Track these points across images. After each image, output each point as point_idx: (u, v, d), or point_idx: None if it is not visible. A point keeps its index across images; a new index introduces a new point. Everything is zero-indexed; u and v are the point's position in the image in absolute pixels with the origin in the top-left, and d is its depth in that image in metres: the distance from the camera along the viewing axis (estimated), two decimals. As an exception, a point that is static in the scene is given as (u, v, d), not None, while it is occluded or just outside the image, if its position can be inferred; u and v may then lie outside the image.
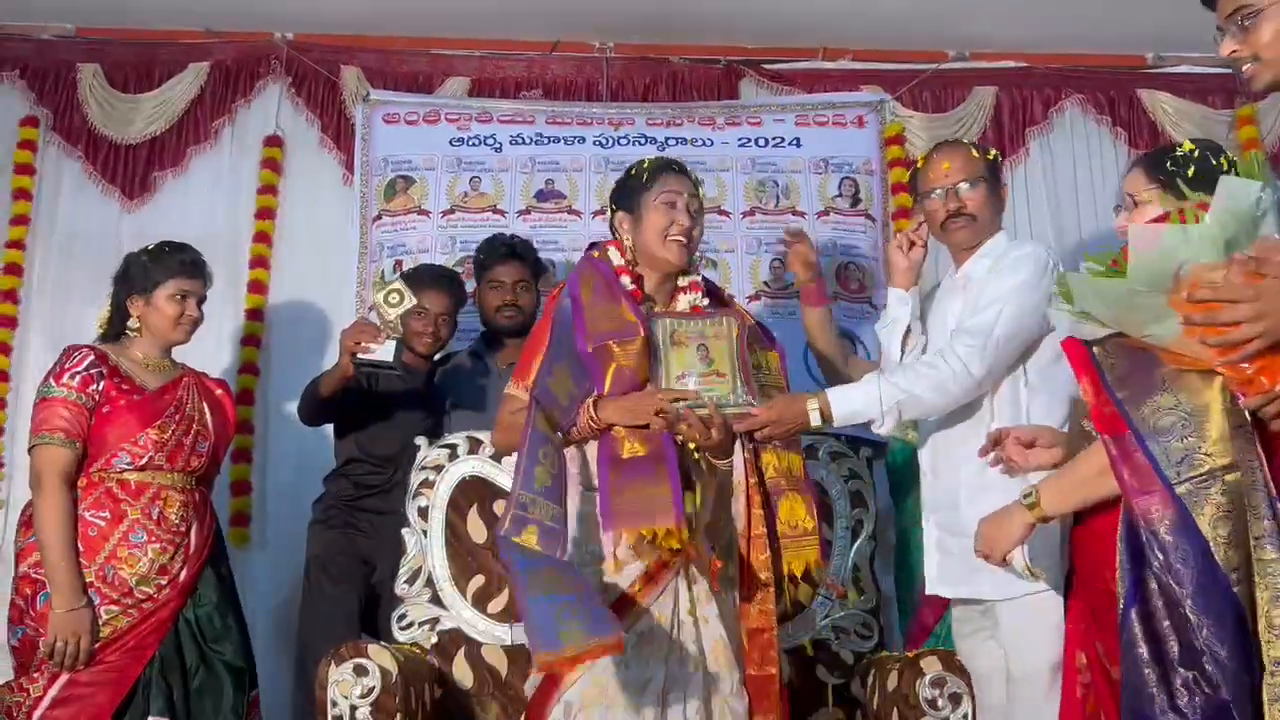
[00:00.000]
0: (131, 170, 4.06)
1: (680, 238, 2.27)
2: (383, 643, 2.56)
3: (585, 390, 2.20)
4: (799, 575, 2.25)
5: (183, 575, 2.59)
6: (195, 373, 2.83)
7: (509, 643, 2.70)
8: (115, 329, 2.72)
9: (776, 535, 2.23)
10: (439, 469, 2.86)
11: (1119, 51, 4.32)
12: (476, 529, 2.82)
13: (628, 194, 2.35)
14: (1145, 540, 1.65)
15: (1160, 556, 1.63)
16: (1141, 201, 1.97)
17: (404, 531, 2.82)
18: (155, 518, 2.58)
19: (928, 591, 2.40)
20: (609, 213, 2.44)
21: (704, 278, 2.43)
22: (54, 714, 2.44)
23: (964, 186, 2.39)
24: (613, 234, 2.41)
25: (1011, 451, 2.10)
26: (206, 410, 2.72)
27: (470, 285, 3.52)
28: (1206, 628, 1.58)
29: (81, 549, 2.50)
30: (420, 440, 2.91)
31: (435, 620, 2.75)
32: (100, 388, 2.58)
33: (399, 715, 2.38)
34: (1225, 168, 1.92)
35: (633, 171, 2.37)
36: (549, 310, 2.37)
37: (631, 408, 2.16)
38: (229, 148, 4.11)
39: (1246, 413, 1.64)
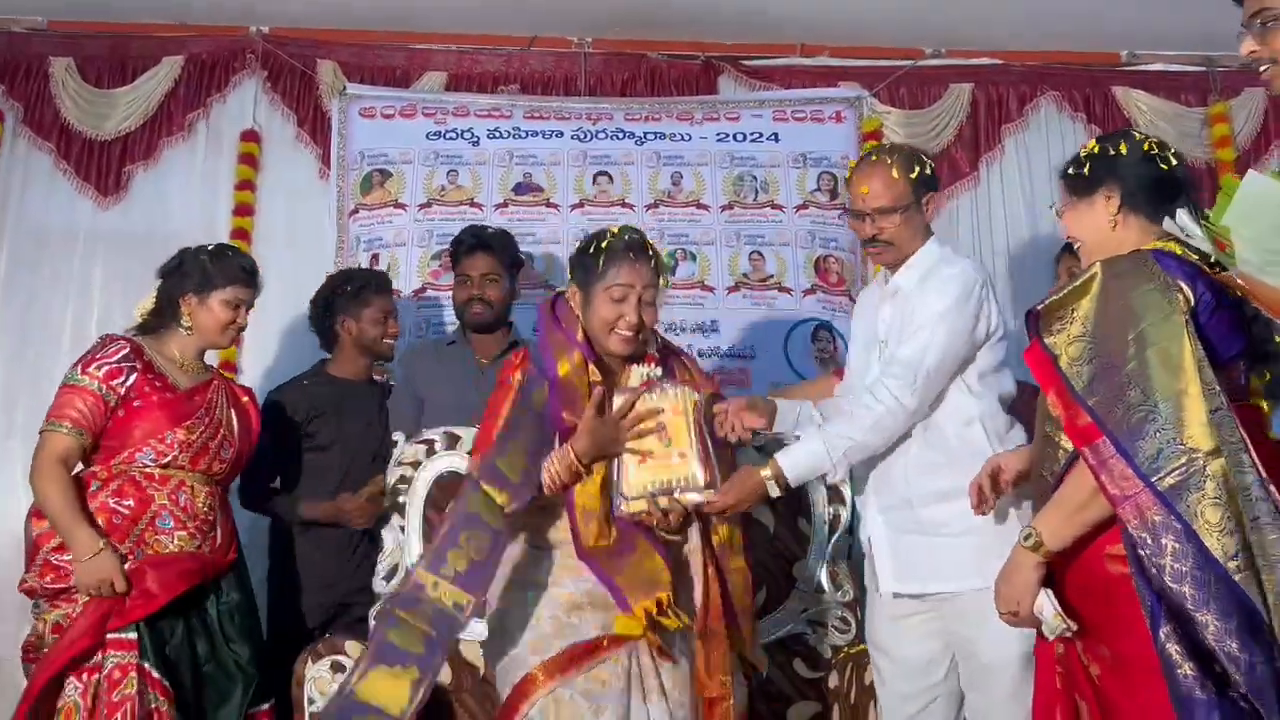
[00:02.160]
0: (105, 166, 4.03)
1: (626, 333, 2.19)
2: (360, 640, 2.55)
3: (539, 466, 2.15)
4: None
5: (210, 557, 2.54)
6: (224, 377, 2.78)
7: (487, 639, 2.69)
8: (158, 322, 2.65)
9: (733, 606, 2.23)
10: (416, 465, 2.85)
11: (1094, 49, 4.36)
12: (454, 525, 2.81)
13: (582, 270, 2.25)
14: (1140, 546, 1.61)
15: (1156, 559, 1.60)
16: (1063, 210, 1.98)
17: (382, 528, 2.81)
18: (182, 505, 2.52)
19: (882, 590, 2.33)
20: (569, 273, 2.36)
21: (661, 342, 2.37)
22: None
23: (880, 214, 2.33)
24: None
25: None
26: (234, 416, 2.67)
27: (450, 279, 3.51)
28: (1213, 625, 1.55)
29: (108, 535, 2.44)
30: (398, 436, 2.89)
31: (413, 616, 2.73)
32: (130, 381, 2.51)
33: (376, 712, 2.37)
34: (1123, 151, 1.91)
35: (590, 249, 2.25)
36: (508, 380, 2.28)
37: (598, 438, 2.13)
38: (204, 142, 4.09)
39: (1224, 396, 1.63)
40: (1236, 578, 1.56)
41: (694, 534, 2.22)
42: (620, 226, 2.31)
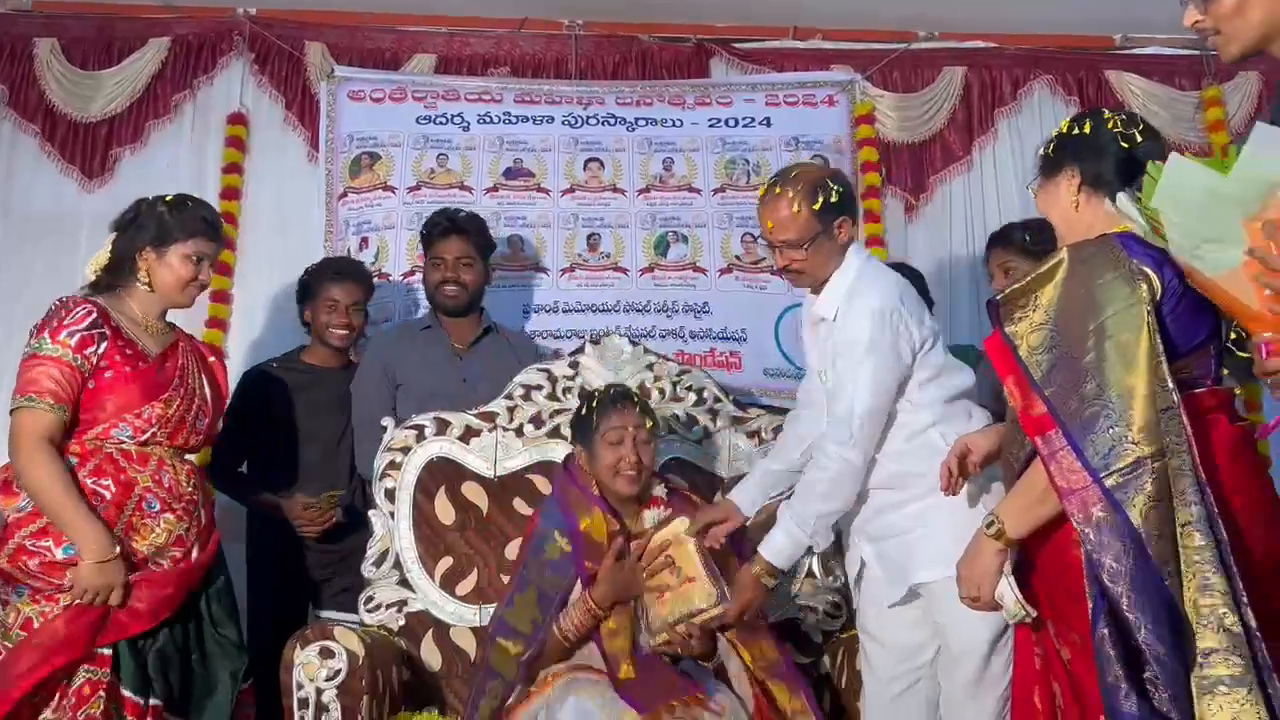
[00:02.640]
0: (91, 148, 3.98)
1: (629, 471, 2.47)
2: (349, 624, 2.54)
3: (551, 615, 2.41)
4: None
5: (195, 552, 2.38)
6: (187, 335, 2.58)
7: (477, 624, 2.69)
8: (113, 279, 2.44)
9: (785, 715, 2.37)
10: (406, 450, 2.84)
11: (1087, 32, 4.34)
12: (445, 511, 2.80)
13: (581, 430, 2.56)
14: (1084, 542, 1.61)
15: (1097, 556, 1.59)
16: (1035, 190, 1.95)
17: (371, 514, 2.80)
18: (167, 485, 2.35)
19: (888, 606, 2.33)
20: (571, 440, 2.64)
21: (666, 482, 2.61)
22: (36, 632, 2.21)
23: (787, 247, 2.31)
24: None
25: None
26: (205, 383, 2.49)
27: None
28: (1145, 628, 1.55)
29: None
30: (387, 421, 2.88)
31: (403, 602, 2.73)
32: (101, 350, 2.31)
33: (365, 698, 2.36)
34: (1086, 131, 1.87)
35: (583, 410, 2.57)
36: (527, 534, 2.56)
37: (618, 584, 2.40)
38: (191, 126, 4.05)
39: (1176, 395, 1.60)
40: (1168, 583, 1.55)
41: (733, 658, 2.42)
42: (607, 385, 2.69)
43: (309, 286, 3.24)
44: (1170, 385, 1.61)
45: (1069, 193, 1.86)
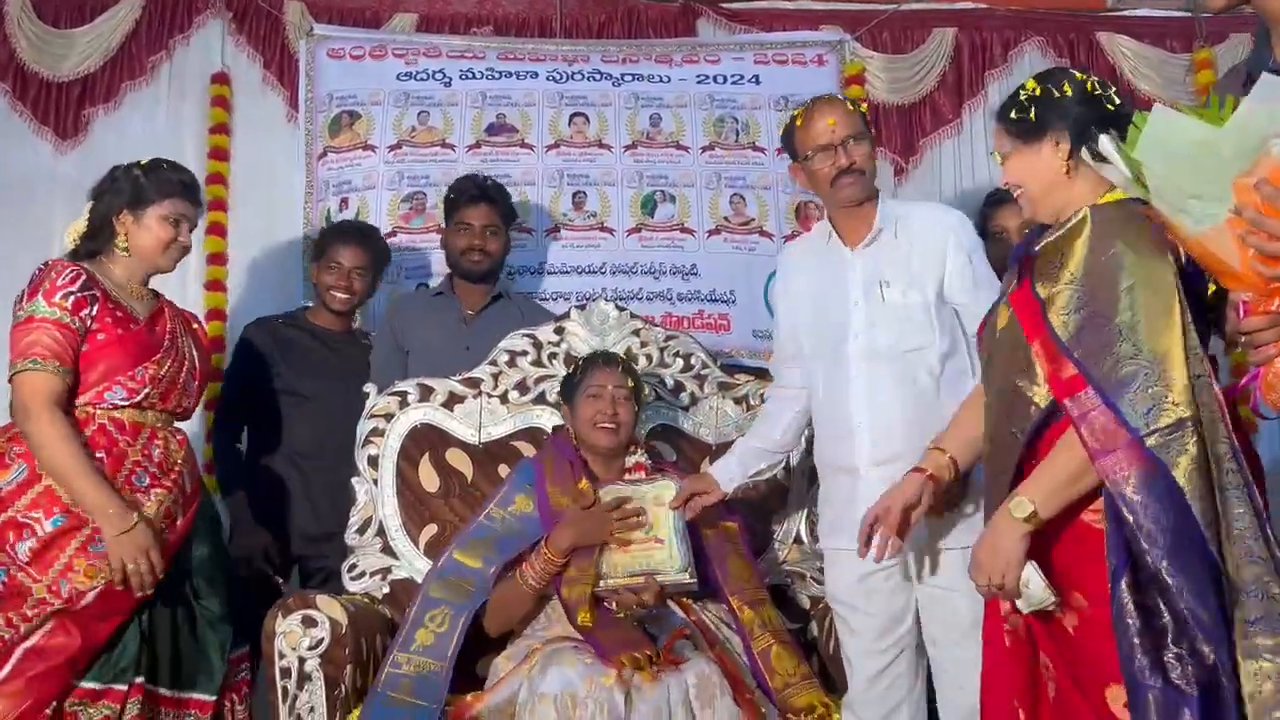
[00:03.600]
0: (63, 108, 3.89)
1: (606, 424, 2.54)
2: (332, 593, 2.51)
3: (512, 556, 2.45)
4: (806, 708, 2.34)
5: (179, 521, 2.36)
6: (170, 303, 2.56)
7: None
8: (93, 246, 2.42)
9: (773, 681, 2.35)
10: (389, 417, 2.80)
11: (1079, -7, 4.29)
12: (428, 478, 2.77)
13: (568, 389, 2.65)
14: (1118, 503, 1.58)
15: (1130, 518, 1.55)
16: (1005, 154, 1.87)
17: (354, 481, 2.76)
18: (156, 460, 2.34)
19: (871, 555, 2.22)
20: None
21: (649, 458, 2.63)
22: (33, 660, 2.15)
23: (853, 142, 2.32)
24: None
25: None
26: (192, 346, 2.49)
27: (421, 222, 3.49)
28: (1186, 590, 1.51)
29: None
30: (369, 387, 2.83)
31: (387, 570, 2.70)
32: (94, 312, 2.30)
33: (349, 667, 2.34)
34: (1069, 93, 1.81)
35: (572, 370, 2.67)
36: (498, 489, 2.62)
37: (582, 529, 2.41)
38: (167, 87, 3.95)
39: (1206, 361, 1.59)
40: (1211, 547, 1.53)
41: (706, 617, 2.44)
42: (596, 350, 2.76)
43: (319, 247, 3.23)
44: (1200, 353, 1.59)
45: (1057, 159, 1.80)
